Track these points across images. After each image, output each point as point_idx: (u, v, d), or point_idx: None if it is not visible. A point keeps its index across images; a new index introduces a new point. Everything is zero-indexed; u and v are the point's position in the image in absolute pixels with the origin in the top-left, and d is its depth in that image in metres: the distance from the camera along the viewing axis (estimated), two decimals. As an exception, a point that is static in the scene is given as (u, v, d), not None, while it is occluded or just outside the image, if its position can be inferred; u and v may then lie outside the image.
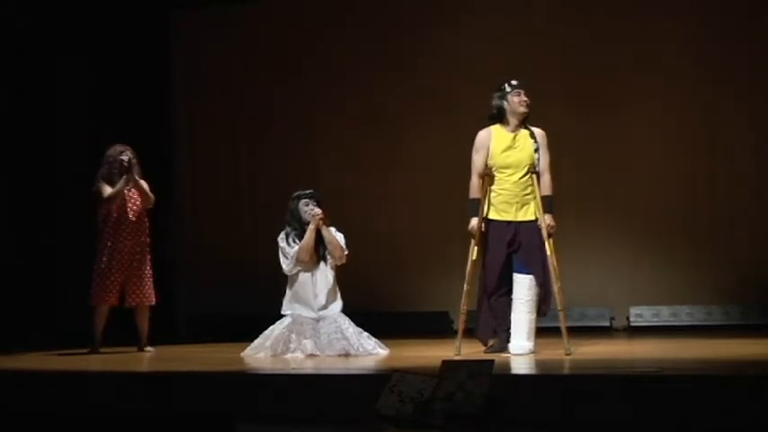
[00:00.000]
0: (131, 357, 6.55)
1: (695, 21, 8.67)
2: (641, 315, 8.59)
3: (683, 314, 8.53)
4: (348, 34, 9.64)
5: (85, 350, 6.80)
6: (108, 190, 6.87)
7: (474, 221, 5.66)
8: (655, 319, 8.53)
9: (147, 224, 7.02)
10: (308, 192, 6.28)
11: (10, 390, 4.85)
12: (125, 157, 6.89)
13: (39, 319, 8.63)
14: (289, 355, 5.96)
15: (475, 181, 5.72)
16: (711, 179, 8.58)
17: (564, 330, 5.53)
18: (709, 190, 8.58)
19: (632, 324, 8.58)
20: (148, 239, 7.00)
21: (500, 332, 5.70)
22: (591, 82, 8.85)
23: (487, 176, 5.69)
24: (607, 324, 8.62)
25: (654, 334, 7.85)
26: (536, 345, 5.57)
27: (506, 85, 5.73)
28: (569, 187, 8.39)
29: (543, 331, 5.88)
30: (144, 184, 6.98)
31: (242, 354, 6.16)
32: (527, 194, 5.65)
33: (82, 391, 4.67)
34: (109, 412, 4.50)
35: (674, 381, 3.84)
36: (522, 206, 5.64)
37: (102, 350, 6.80)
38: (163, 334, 7.41)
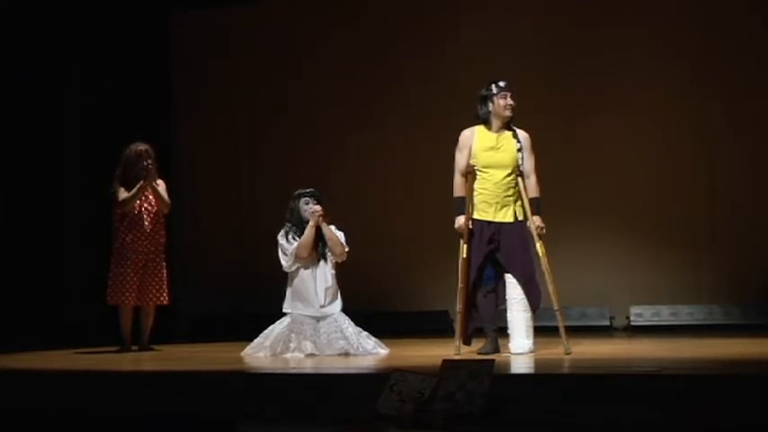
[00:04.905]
0: (132, 357, 6.55)
1: (688, 22, 8.69)
2: (641, 315, 8.59)
3: (684, 314, 8.53)
4: (349, 36, 9.65)
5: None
6: (124, 194, 6.85)
7: (460, 220, 5.64)
8: (655, 319, 8.53)
9: (163, 224, 7.02)
10: (308, 191, 6.29)
11: (10, 389, 4.85)
12: (144, 163, 6.84)
13: (38, 317, 8.64)
14: (288, 355, 5.96)
15: (458, 180, 5.70)
16: (711, 179, 8.58)
17: (562, 330, 5.53)
18: (709, 190, 8.59)
19: (632, 324, 8.58)
20: (163, 240, 7.00)
21: (488, 332, 5.69)
22: (591, 81, 8.87)
23: (470, 175, 5.67)
24: (607, 323, 8.63)
25: (654, 333, 7.85)
26: (536, 343, 5.56)
27: (493, 86, 5.66)
28: (569, 188, 8.44)
29: (543, 331, 5.88)
30: (162, 188, 6.95)
31: (242, 353, 6.16)
32: (508, 196, 5.61)
33: (82, 390, 4.67)
34: (109, 412, 4.50)
35: (674, 380, 3.84)
36: (503, 207, 5.60)
37: (100, 350, 6.81)
38: (163, 334, 7.41)
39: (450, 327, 7.61)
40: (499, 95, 5.64)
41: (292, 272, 6.19)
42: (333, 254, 6.21)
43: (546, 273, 5.56)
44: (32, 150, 8.98)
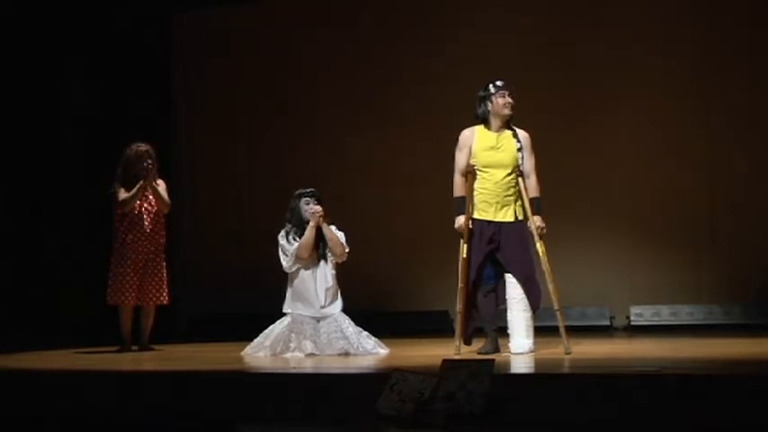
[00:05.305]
0: (132, 357, 6.55)
1: (688, 22, 8.70)
2: (641, 314, 8.59)
3: (684, 313, 8.54)
4: (349, 36, 9.65)
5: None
6: (124, 194, 6.85)
7: (461, 219, 5.64)
8: (655, 319, 8.53)
9: (164, 224, 7.02)
10: (309, 190, 6.28)
11: (10, 389, 4.85)
12: (144, 163, 6.86)
13: (38, 317, 8.64)
14: (288, 355, 5.95)
15: (458, 179, 5.70)
16: (711, 179, 8.59)
17: (562, 330, 5.53)
18: (709, 190, 8.59)
19: (632, 323, 8.58)
20: (163, 240, 7.00)
21: (489, 332, 5.69)
22: (591, 81, 8.87)
23: (470, 174, 5.67)
24: (607, 323, 8.63)
25: (654, 333, 7.86)
26: (536, 343, 5.56)
27: (491, 85, 5.67)
28: (569, 188, 8.44)
29: (543, 330, 5.88)
30: (162, 187, 6.96)
31: (242, 353, 6.16)
32: (508, 195, 5.61)
33: (82, 390, 4.67)
34: (108, 412, 4.50)
35: (674, 380, 3.84)
36: (503, 207, 5.60)
37: (100, 349, 6.81)
38: (163, 334, 7.41)
39: (451, 327, 7.61)
40: (497, 94, 5.64)
41: (293, 272, 6.18)
42: (333, 254, 6.20)
43: (546, 272, 5.56)
44: (32, 150, 8.97)
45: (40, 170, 9.06)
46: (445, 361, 4.00)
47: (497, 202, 5.61)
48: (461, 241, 5.62)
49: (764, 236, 8.39)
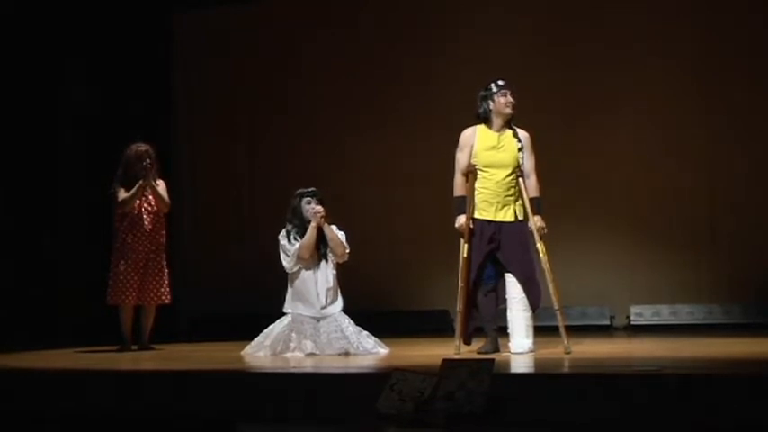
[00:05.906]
0: (132, 356, 6.56)
1: (688, 22, 8.71)
2: (641, 314, 8.60)
3: (684, 313, 8.54)
4: (349, 36, 9.65)
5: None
6: (123, 194, 6.86)
7: (461, 219, 5.64)
8: (655, 318, 8.54)
9: (164, 224, 7.02)
10: (310, 190, 6.28)
11: (11, 389, 4.85)
12: (143, 163, 6.87)
13: (38, 317, 8.65)
14: (288, 354, 5.96)
15: (458, 179, 5.70)
16: (711, 179, 8.59)
17: (562, 329, 5.53)
18: (709, 190, 8.59)
19: (632, 323, 8.59)
20: (164, 240, 7.00)
21: (489, 332, 5.70)
22: (591, 81, 8.87)
23: (471, 174, 5.67)
24: (607, 323, 8.63)
25: (654, 333, 7.86)
26: (536, 343, 5.56)
27: (493, 84, 5.69)
28: (569, 188, 8.44)
29: (543, 330, 5.88)
30: (162, 187, 6.96)
31: (242, 352, 6.15)
32: (509, 195, 5.62)
33: (82, 390, 4.67)
34: (108, 412, 4.50)
35: (674, 380, 3.84)
36: (503, 207, 5.61)
37: (101, 349, 6.81)
38: (163, 333, 7.41)
39: (451, 326, 7.61)
40: (499, 93, 5.66)
41: (293, 272, 6.18)
42: (334, 254, 6.20)
43: (546, 272, 5.56)
44: (32, 150, 8.97)
45: (40, 170, 9.06)
46: (445, 360, 4.00)
47: (498, 202, 5.61)
48: (462, 241, 5.62)
49: (764, 236, 8.39)
